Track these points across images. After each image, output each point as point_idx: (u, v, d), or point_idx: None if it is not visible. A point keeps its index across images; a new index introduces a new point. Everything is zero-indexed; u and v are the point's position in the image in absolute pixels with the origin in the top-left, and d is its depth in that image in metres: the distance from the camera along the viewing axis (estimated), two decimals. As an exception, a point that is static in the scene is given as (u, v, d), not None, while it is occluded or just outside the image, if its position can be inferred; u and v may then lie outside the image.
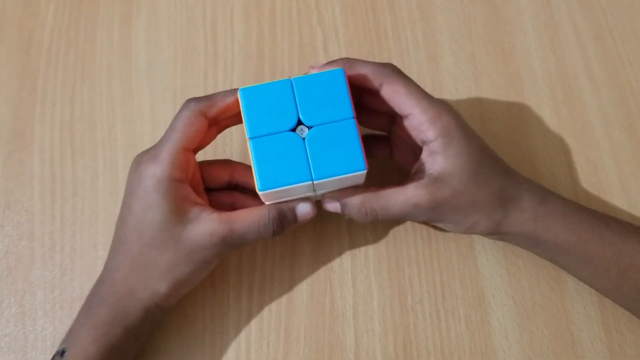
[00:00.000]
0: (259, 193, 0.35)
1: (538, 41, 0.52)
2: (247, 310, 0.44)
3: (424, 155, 0.38)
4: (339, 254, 0.45)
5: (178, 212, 0.36)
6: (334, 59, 0.49)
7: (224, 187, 0.43)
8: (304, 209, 0.38)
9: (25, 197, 0.47)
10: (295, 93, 0.35)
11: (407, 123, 0.38)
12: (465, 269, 0.45)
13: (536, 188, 0.40)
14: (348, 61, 0.38)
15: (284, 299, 0.44)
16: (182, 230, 0.36)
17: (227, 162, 0.44)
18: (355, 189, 0.38)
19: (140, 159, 0.38)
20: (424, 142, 0.38)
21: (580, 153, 0.48)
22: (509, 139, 0.49)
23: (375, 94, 0.38)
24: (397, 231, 0.46)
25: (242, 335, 0.43)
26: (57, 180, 0.47)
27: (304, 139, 0.35)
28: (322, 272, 0.45)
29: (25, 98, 0.50)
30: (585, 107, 0.50)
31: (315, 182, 0.35)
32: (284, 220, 0.38)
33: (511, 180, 0.39)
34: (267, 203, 0.38)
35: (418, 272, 0.45)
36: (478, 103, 0.50)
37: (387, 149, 0.44)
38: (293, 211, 0.38)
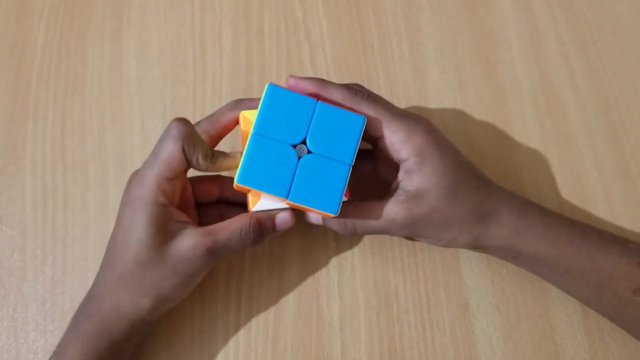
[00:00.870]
0: (235, 184, 0.36)
1: (522, 53, 0.53)
2: (235, 322, 0.45)
3: (401, 173, 0.39)
4: (326, 264, 0.46)
5: (163, 232, 0.37)
6: (321, 73, 0.51)
7: (215, 201, 0.44)
8: (283, 218, 0.40)
9: (17, 211, 0.48)
10: (314, 116, 0.37)
11: (381, 143, 0.39)
12: (450, 279, 0.46)
13: (516, 202, 0.41)
14: (323, 82, 0.39)
15: (271, 311, 0.45)
16: (166, 247, 0.37)
17: (217, 178, 0.45)
18: None
19: (131, 180, 0.39)
20: (399, 161, 0.39)
21: (564, 164, 0.49)
22: (493, 150, 0.49)
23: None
24: (383, 242, 0.47)
25: (231, 347, 0.44)
26: (49, 194, 0.48)
27: (299, 158, 0.36)
28: (309, 283, 0.46)
29: (17, 113, 0.51)
30: (569, 118, 0.51)
31: (288, 200, 0.36)
32: (263, 228, 0.39)
33: (490, 195, 0.40)
34: (252, 211, 0.39)
35: (404, 283, 0.46)
36: (463, 115, 0.51)
37: (371, 163, 0.45)
38: (272, 220, 0.40)
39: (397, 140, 0.38)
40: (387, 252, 0.46)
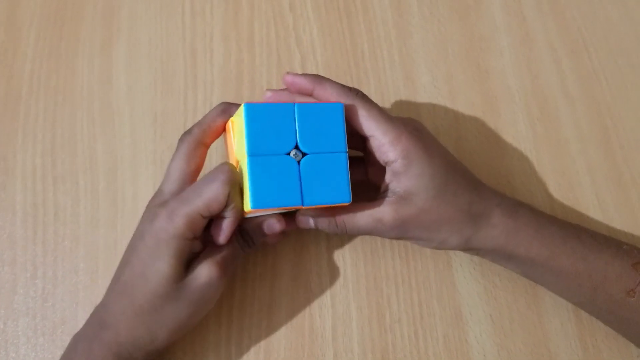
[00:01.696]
0: (249, 210, 0.37)
1: (514, 59, 0.53)
2: (226, 334, 0.44)
3: (388, 175, 0.39)
4: (318, 274, 0.46)
5: (184, 265, 0.38)
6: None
7: None
8: (270, 225, 0.40)
9: (7, 223, 0.48)
10: (297, 118, 0.37)
11: (370, 144, 0.39)
12: (443, 288, 0.46)
13: (507, 202, 0.41)
14: (319, 78, 0.40)
15: (263, 322, 0.45)
16: (185, 280, 0.38)
17: None
18: None
19: (156, 212, 0.38)
20: (386, 163, 0.39)
21: (556, 170, 0.49)
22: (485, 156, 0.50)
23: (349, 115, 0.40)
24: (375, 250, 0.47)
25: (222, 359, 0.44)
26: (39, 206, 0.48)
27: (298, 163, 0.37)
28: (301, 293, 0.46)
29: (7, 125, 0.51)
30: (560, 124, 0.51)
31: (304, 206, 0.37)
32: (253, 235, 0.41)
33: (480, 195, 0.40)
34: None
35: (396, 291, 0.46)
36: (454, 122, 0.51)
37: (362, 171, 0.45)
38: (260, 227, 0.41)
39: (386, 142, 0.38)
40: (379, 260, 0.46)
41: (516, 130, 0.50)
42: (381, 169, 0.42)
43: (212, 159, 0.48)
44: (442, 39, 0.54)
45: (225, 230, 0.38)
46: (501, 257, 0.42)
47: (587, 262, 0.40)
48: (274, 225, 0.40)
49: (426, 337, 0.44)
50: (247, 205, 0.36)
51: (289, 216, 0.41)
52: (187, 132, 0.41)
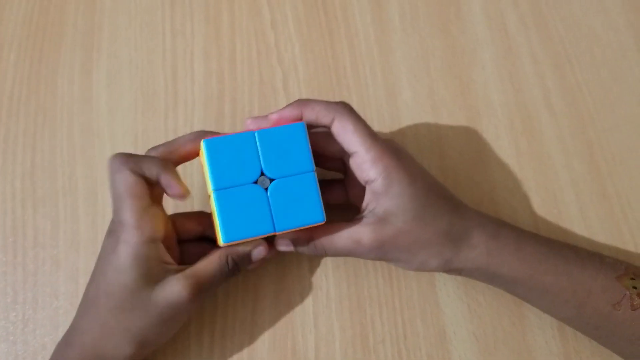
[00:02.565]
0: (222, 244, 0.37)
1: (496, 73, 0.53)
2: (208, 355, 0.45)
3: (368, 195, 0.40)
4: (301, 295, 0.46)
5: (148, 276, 0.37)
6: (294, 97, 0.51)
7: (197, 238, 0.44)
8: (258, 252, 0.40)
9: (-12, 248, 0.48)
10: (259, 145, 0.38)
11: (352, 161, 0.40)
12: (426, 307, 0.46)
13: (487, 223, 0.41)
14: (303, 102, 0.40)
15: (245, 343, 0.45)
16: (151, 292, 0.37)
17: (200, 215, 0.45)
18: None
19: (112, 227, 0.39)
20: (366, 182, 0.39)
21: (540, 184, 0.49)
22: (468, 172, 0.50)
23: (329, 137, 0.40)
24: (359, 270, 0.47)
25: (204, 381, 0.44)
26: (19, 230, 0.49)
27: (266, 189, 0.37)
28: (284, 314, 0.46)
29: (-13, 148, 0.51)
30: (544, 138, 0.51)
31: (277, 232, 0.37)
32: (240, 263, 0.40)
33: (460, 217, 0.40)
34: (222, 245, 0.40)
35: (380, 312, 0.46)
36: (437, 137, 0.51)
37: (342, 193, 0.45)
38: (248, 254, 0.40)
39: (367, 159, 0.38)
40: (362, 281, 0.47)
41: (499, 144, 0.51)
42: (362, 190, 0.43)
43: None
44: (424, 54, 0.54)
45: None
46: (484, 276, 0.42)
47: (571, 278, 0.40)
48: (261, 253, 0.40)
49: (410, 357, 0.44)
50: (220, 240, 0.37)
51: (269, 241, 0.42)
52: (153, 149, 0.40)
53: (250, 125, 0.40)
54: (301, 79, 0.53)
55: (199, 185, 0.49)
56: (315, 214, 0.38)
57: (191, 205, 0.49)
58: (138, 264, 0.37)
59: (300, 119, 0.40)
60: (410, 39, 0.55)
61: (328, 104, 0.40)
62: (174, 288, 0.37)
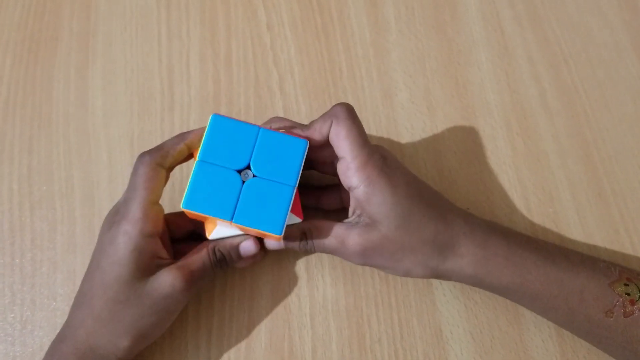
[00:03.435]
0: (183, 210, 0.38)
1: (492, 73, 0.54)
2: (205, 356, 0.46)
3: (352, 201, 0.41)
4: (297, 295, 0.47)
5: (143, 269, 0.39)
6: (290, 99, 0.52)
7: (188, 237, 0.46)
8: (247, 246, 0.42)
9: (-15, 251, 0.49)
10: (257, 141, 0.39)
11: (338, 167, 0.41)
12: (423, 306, 0.47)
13: (476, 229, 0.41)
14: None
15: (242, 345, 0.46)
16: (145, 284, 0.39)
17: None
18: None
19: (112, 219, 0.40)
20: (349, 188, 0.40)
21: (536, 184, 0.50)
22: (464, 172, 0.51)
23: (326, 145, 0.41)
24: (355, 270, 0.48)
25: (201, 382, 0.45)
26: (16, 232, 0.50)
27: (243, 182, 0.38)
28: (281, 315, 0.47)
29: (-17, 151, 0.52)
30: (540, 138, 0.52)
31: (233, 222, 0.38)
32: (227, 256, 0.42)
33: (447, 225, 0.41)
34: (211, 238, 0.42)
35: (376, 311, 0.47)
36: (433, 138, 0.52)
37: (337, 199, 0.46)
38: (236, 248, 0.42)
39: (352, 167, 0.39)
40: (359, 280, 0.48)
41: (495, 145, 0.52)
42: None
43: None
44: (420, 55, 0.55)
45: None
46: (473, 283, 0.42)
47: (563, 286, 0.40)
48: (250, 248, 0.42)
49: (406, 357, 0.45)
50: (182, 207, 0.38)
51: (260, 241, 0.43)
52: (146, 153, 0.41)
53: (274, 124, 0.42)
54: (297, 80, 0.55)
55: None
56: (275, 224, 0.38)
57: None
58: (136, 257, 0.38)
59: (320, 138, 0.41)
60: (406, 39, 0.56)
61: (330, 110, 0.41)
62: (167, 279, 0.39)
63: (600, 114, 0.53)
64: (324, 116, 0.41)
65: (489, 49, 0.55)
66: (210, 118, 0.39)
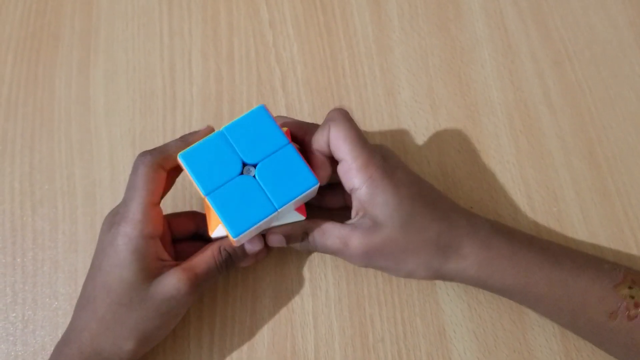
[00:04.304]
0: (232, 239, 0.38)
1: (495, 71, 0.55)
2: (208, 356, 0.46)
3: (355, 202, 0.41)
4: (300, 294, 0.48)
5: (146, 270, 0.39)
6: (292, 97, 0.53)
7: (190, 237, 0.46)
8: (253, 244, 0.42)
9: (-14, 250, 0.50)
10: (231, 140, 0.39)
11: (339, 168, 0.41)
12: (426, 305, 0.47)
13: (480, 230, 0.42)
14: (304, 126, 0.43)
15: (245, 344, 0.46)
16: (149, 286, 0.39)
17: (193, 214, 0.47)
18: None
19: (112, 220, 0.40)
20: (351, 190, 0.40)
21: (540, 183, 0.51)
22: (468, 170, 0.51)
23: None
24: (358, 269, 0.48)
25: (204, 381, 0.46)
26: (17, 231, 0.50)
27: (254, 177, 0.39)
28: (283, 314, 0.47)
29: (-15, 150, 0.53)
30: (544, 136, 0.52)
31: (279, 210, 0.38)
32: (233, 254, 0.42)
33: (450, 226, 0.41)
34: (214, 236, 0.42)
35: (379, 310, 0.47)
36: (436, 136, 0.52)
37: (341, 197, 0.46)
38: (242, 247, 0.42)
39: (354, 167, 0.39)
40: (362, 279, 0.48)
41: (498, 143, 0.52)
42: None
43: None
44: (423, 52, 0.56)
45: None
46: (476, 284, 0.43)
47: (566, 287, 0.40)
48: (255, 245, 0.42)
49: (410, 356, 0.46)
50: (232, 239, 0.38)
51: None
52: (146, 152, 0.41)
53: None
54: (300, 78, 0.55)
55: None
56: (307, 179, 0.39)
57: (190, 204, 0.50)
58: (136, 258, 0.39)
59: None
60: (409, 37, 0.56)
61: (329, 115, 0.41)
62: (172, 281, 0.39)
63: (604, 112, 0.53)
64: (321, 125, 0.41)
65: (493, 46, 0.56)
66: (179, 159, 0.39)
